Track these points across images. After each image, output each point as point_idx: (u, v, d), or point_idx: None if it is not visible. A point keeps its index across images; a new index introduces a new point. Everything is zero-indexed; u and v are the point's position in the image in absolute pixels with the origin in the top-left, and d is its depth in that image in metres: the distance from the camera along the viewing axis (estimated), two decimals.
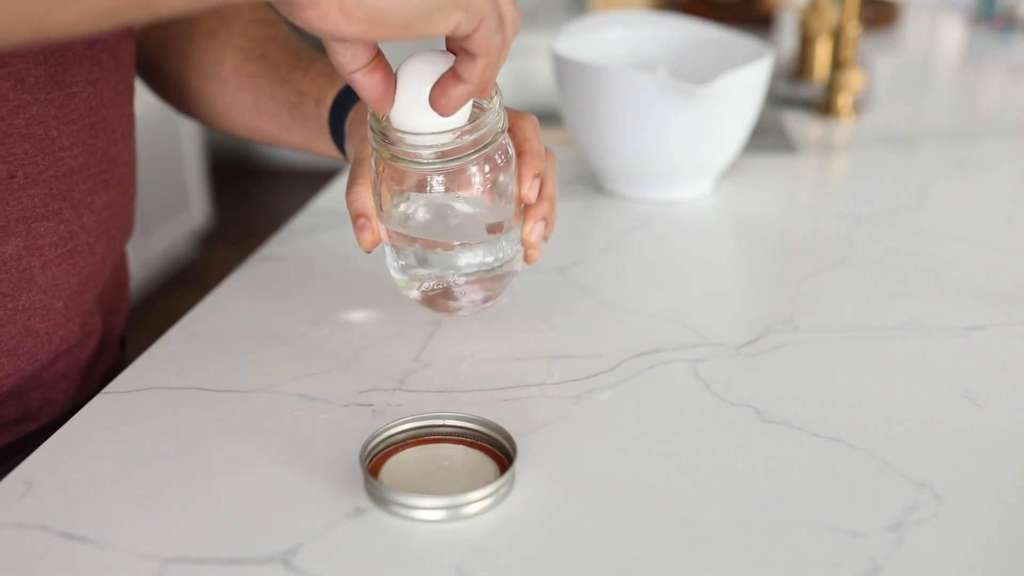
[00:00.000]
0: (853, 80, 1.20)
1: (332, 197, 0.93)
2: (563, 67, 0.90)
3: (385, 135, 0.54)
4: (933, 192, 0.96)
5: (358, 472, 0.51)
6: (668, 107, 0.85)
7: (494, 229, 0.58)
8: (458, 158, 0.54)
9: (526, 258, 0.61)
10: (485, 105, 0.55)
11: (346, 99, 0.67)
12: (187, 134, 2.80)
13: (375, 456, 0.51)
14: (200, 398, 0.58)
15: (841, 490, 0.50)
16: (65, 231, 0.62)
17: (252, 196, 3.39)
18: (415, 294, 0.61)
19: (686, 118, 0.86)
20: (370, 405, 0.57)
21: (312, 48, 0.73)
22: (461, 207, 0.57)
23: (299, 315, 0.69)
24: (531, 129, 0.59)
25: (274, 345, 0.65)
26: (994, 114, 1.33)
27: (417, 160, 0.54)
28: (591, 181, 0.97)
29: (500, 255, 0.59)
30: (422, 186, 0.56)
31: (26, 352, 0.62)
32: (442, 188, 0.55)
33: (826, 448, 0.53)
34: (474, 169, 0.55)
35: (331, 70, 0.70)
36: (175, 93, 0.78)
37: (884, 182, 0.99)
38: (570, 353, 0.63)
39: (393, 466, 0.51)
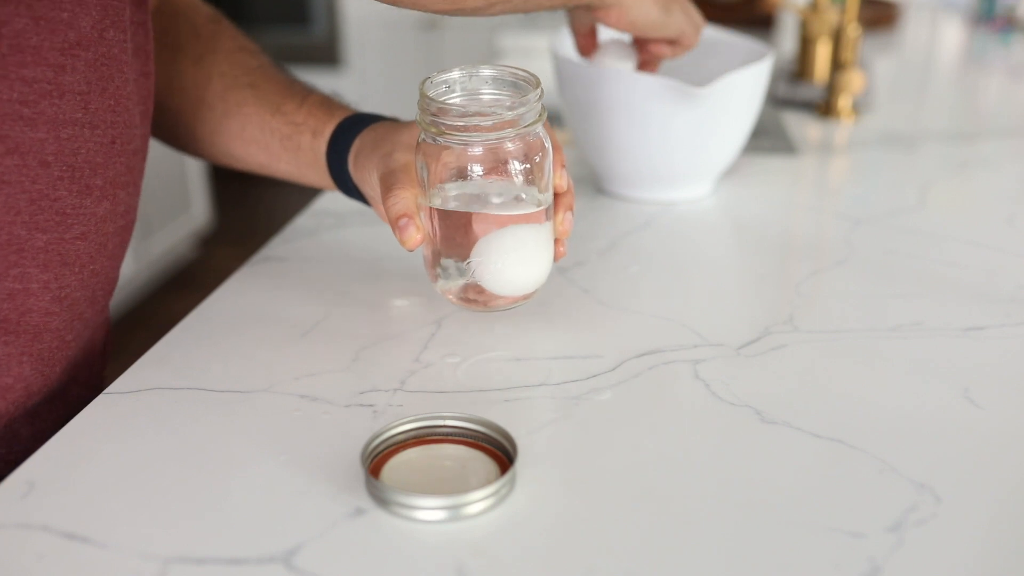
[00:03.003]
0: (853, 81, 1.20)
1: (333, 198, 0.93)
2: (564, 68, 0.90)
3: (437, 119, 0.58)
4: (933, 193, 0.96)
5: (359, 472, 0.51)
6: (669, 108, 0.85)
7: (534, 218, 0.62)
8: (503, 133, 0.58)
9: (556, 255, 0.64)
10: (529, 90, 0.59)
11: (346, 131, 0.68)
12: None
13: (376, 456, 0.51)
14: (201, 398, 0.59)
15: (841, 490, 0.50)
16: (129, 204, 0.64)
17: (253, 197, 3.39)
18: (453, 290, 0.63)
19: (687, 119, 0.86)
20: (371, 405, 0.57)
21: (301, 82, 0.74)
22: (505, 192, 0.61)
23: (300, 316, 0.69)
24: (548, 127, 0.63)
25: (275, 346, 0.65)
26: (994, 115, 1.33)
27: (467, 133, 0.58)
28: (592, 182, 0.97)
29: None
30: (468, 175, 0.60)
31: (88, 317, 0.63)
32: (485, 172, 0.60)
33: (826, 448, 0.53)
34: (518, 165, 0.59)
35: (327, 103, 0.71)
36: (153, 117, 0.77)
37: (884, 183, 0.99)
38: (571, 353, 0.63)
39: (394, 466, 0.51)
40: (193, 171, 2.87)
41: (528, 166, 0.60)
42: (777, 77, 1.34)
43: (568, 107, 0.92)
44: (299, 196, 3.16)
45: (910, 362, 0.62)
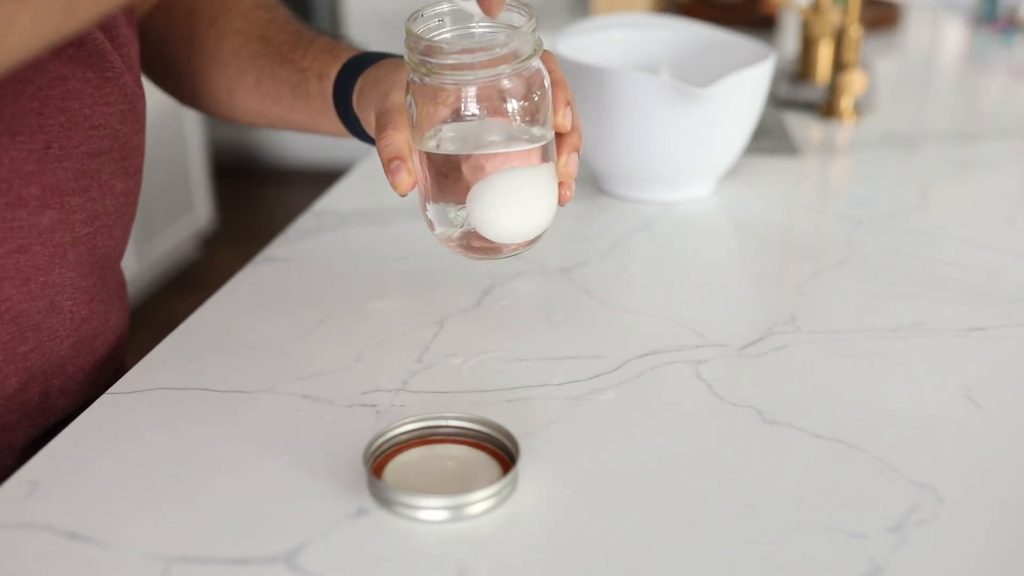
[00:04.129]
0: (855, 82, 1.20)
1: (336, 198, 0.93)
2: (566, 68, 0.90)
3: (425, 59, 0.54)
4: (934, 193, 0.96)
5: (361, 472, 0.51)
6: (670, 109, 0.85)
7: (532, 159, 0.58)
8: (496, 70, 0.54)
9: (560, 198, 0.60)
10: (522, 22, 0.56)
11: (350, 71, 0.67)
12: (191, 135, 2.80)
13: (378, 456, 0.51)
14: (204, 399, 0.59)
15: (842, 490, 0.50)
16: (92, 209, 0.63)
17: (256, 197, 3.39)
18: (455, 237, 0.60)
19: (688, 120, 0.86)
20: (373, 406, 0.58)
21: (312, 30, 0.73)
22: (500, 132, 0.57)
23: (302, 316, 0.69)
24: (553, 61, 0.60)
25: (278, 346, 0.65)
26: (995, 116, 1.33)
27: (457, 72, 0.54)
28: (593, 182, 0.97)
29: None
30: (460, 115, 0.56)
31: (49, 328, 0.62)
32: (479, 111, 0.56)
33: (827, 449, 0.53)
34: (514, 103, 0.56)
35: (333, 47, 0.70)
36: (176, 81, 0.78)
37: (885, 183, 0.99)
38: (573, 354, 0.63)
39: (396, 466, 0.51)
40: (196, 171, 2.87)
41: (525, 103, 0.56)
42: (779, 78, 1.34)
43: None
44: (302, 196, 3.16)
45: (911, 362, 0.62)
